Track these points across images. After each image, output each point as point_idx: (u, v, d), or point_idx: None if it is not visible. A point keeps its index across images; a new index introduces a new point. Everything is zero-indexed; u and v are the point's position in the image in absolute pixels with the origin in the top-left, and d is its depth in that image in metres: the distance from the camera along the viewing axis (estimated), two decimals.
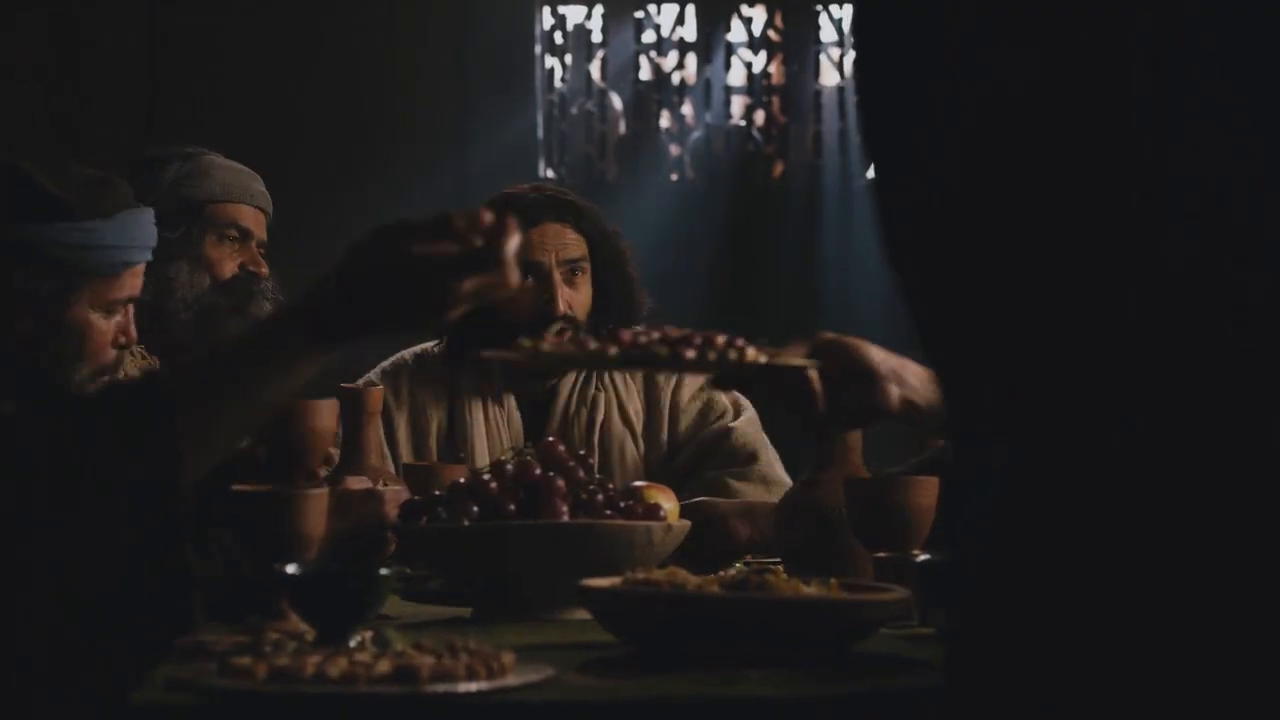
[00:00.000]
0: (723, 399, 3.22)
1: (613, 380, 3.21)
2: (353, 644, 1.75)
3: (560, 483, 2.15)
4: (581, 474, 2.19)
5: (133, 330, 2.43)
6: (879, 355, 1.94)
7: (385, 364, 3.25)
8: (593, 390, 3.20)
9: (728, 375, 1.95)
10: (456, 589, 2.28)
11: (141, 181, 2.90)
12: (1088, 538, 1.12)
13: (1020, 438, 1.17)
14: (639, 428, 3.20)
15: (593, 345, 1.84)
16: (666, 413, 3.22)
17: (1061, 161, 1.10)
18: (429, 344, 3.25)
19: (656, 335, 1.86)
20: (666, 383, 3.23)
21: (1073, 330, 1.11)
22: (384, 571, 1.85)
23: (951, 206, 1.14)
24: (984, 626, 1.16)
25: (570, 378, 3.20)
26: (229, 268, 2.93)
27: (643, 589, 1.77)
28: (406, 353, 3.25)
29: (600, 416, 3.18)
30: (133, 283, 2.42)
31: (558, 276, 3.11)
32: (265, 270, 2.96)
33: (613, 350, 1.83)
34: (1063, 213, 1.10)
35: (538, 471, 2.16)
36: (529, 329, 3.06)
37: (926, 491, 2.19)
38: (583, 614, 1.98)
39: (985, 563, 1.16)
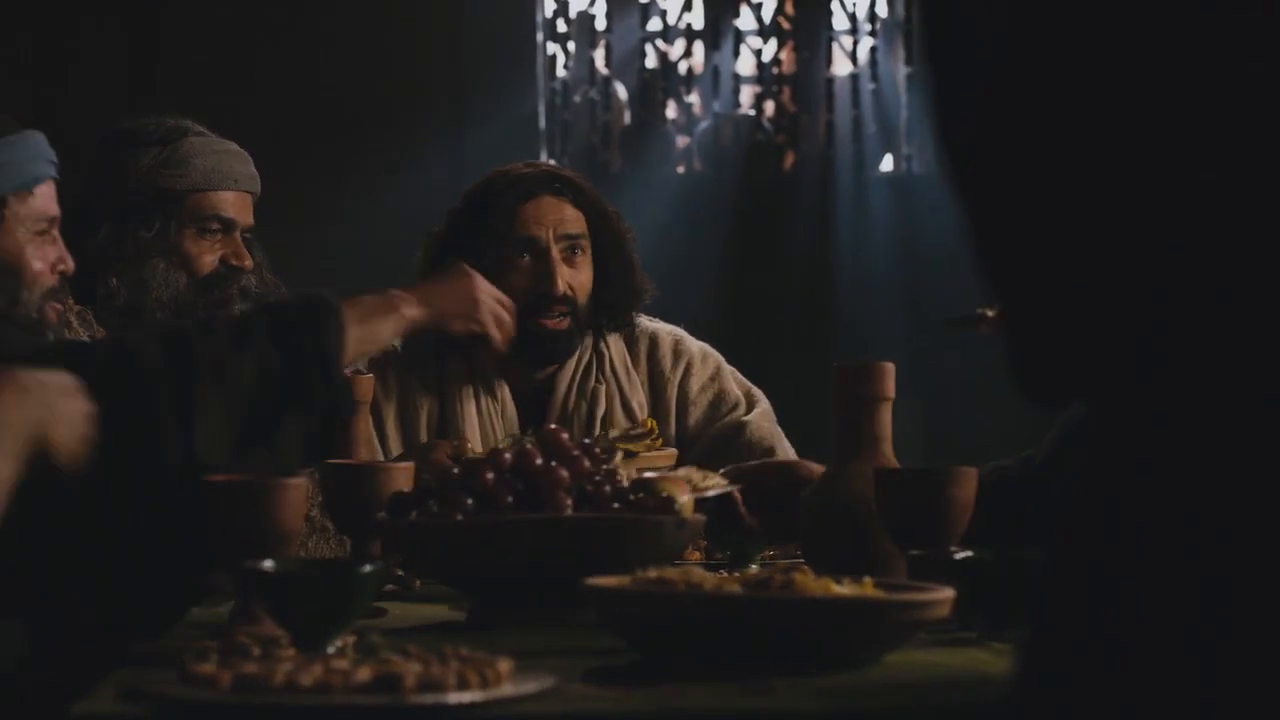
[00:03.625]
0: (735, 390, 3.08)
1: (614, 372, 3.07)
2: (332, 650, 1.61)
3: (563, 473, 1.99)
4: (587, 464, 2.03)
5: (69, 260, 2.46)
6: None
7: None
8: (593, 382, 3.05)
9: None
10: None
11: (117, 158, 2.75)
12: (1177, 517, 0.96)
13: (1101, 405, 1.01)
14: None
15: None
16: (674, 405, 3.08)
17: (1140, 100, 0.99)
18: None
19: None
20: (674, 372, 3.09)
21: (1155, 285, 0.99)
22: (367, 569, 1.70)
23: (1022, 141, 1.03)
24: (1060, 627, 0.99)
25: (569, 367, 3.06)
26: (209, 261, 2.78)
27: (654, 589, 1.63)
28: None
29: (601, 410, 3.04)
30: (50, 203, 2.45)
31: (556, 253, 2.97)
32: (249, 262, 2.81)
33: None
34: (1136, 158, 0.99)
35: (538, 461, 2.00)
36: (526, 310, 2.92)
37: (963, 483, 2.03)
38: (588, 617, 1.82)
39: (1062, 552, 0.99)
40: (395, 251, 3.33)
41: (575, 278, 2.98)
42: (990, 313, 2.24)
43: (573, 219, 2.99)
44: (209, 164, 2.79)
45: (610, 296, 3.04)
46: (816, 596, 1.59)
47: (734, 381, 3.12)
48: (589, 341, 3.07)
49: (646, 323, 3.15)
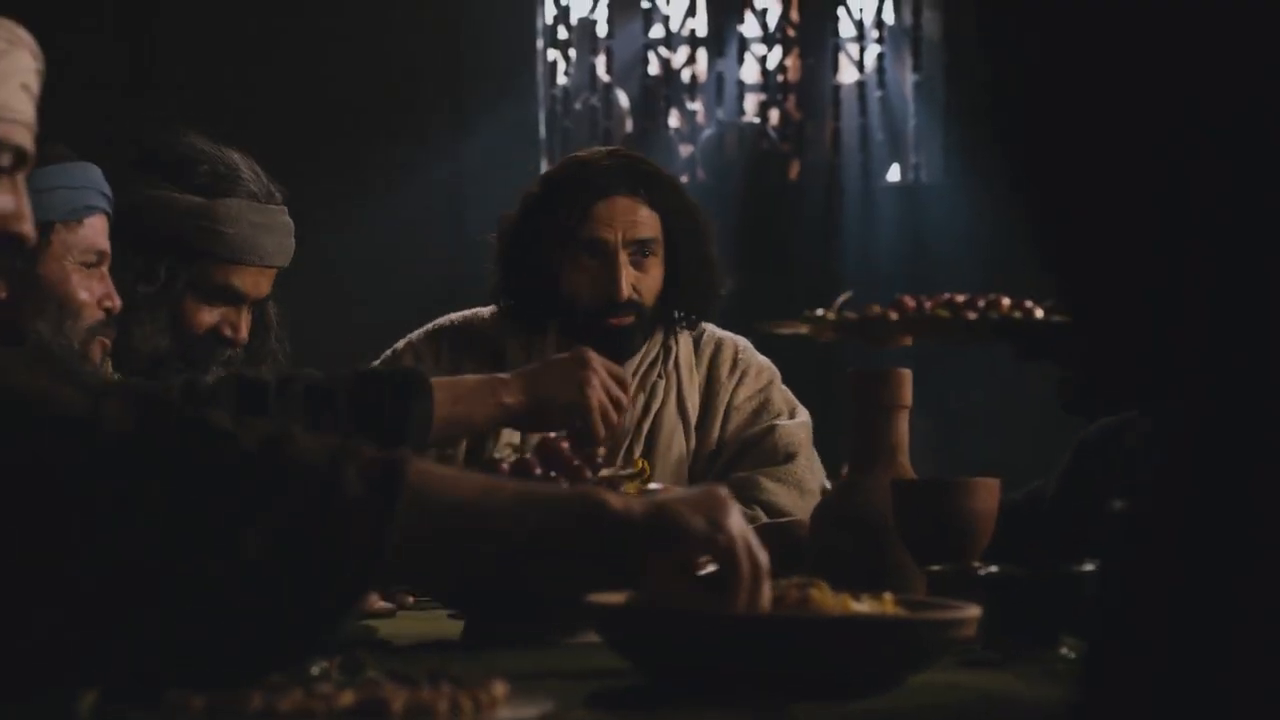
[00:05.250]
0: (780, 403, 3.04)
1: (678, 367, 3.03)
2: (315, 671, 1.51)
3: (563, 484, 1.89)
4: (588, 474, 1.93)
5: (116, 298, 2.44)
6: None
7: (429, 327, 3.09)
8: (655, 375, 3.03)
9: (1026, 341, 2.03)
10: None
11: (154, 194, 2.62)
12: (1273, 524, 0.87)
13: (1184, 404, 0.95)
14: (693, 421, 3.03)
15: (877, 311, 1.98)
16: (722, 411, 3.05)
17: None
18: (481, 309, 3.09)
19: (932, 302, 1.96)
20: (729, 379, 3.07)
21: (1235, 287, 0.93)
22: None
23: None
24: (1137, 646, 0.90)
25: (635, 358, 3.02)
26: (203, 323, 2.66)
27: (660, 606, 1.51)
28: (455, 316, 3.09)
29: (657, 403, 3.02)
30: (99, 236, 2.44)
31: (623, 258, 2.94)
32: (243, 335, 2.69)
33: (894, 316, 1.95)
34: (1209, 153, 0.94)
35: (538, 471, 1.90)
36: (593, 309, 2.88)
37: (985, 495, 1.93)
38: (590, 637, 1.75)
39: (1138, 567, 0.90)
40: (395, 258, 3.26)
41: (643, 280, 2.95)
42: (831, 314, 2.14)
43: (645, 221, 2.94)
44: (242, 235, 2.65)
45: (682, 297, 3.00)
46: (836, 615, 1.49)
47: (782, 396, 3.08)
48: (659, 336, 3.04)
49: (714, 330, 3.12)
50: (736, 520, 1.46)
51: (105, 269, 2.45)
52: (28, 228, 1.51)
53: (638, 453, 2.96)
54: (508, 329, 3.02)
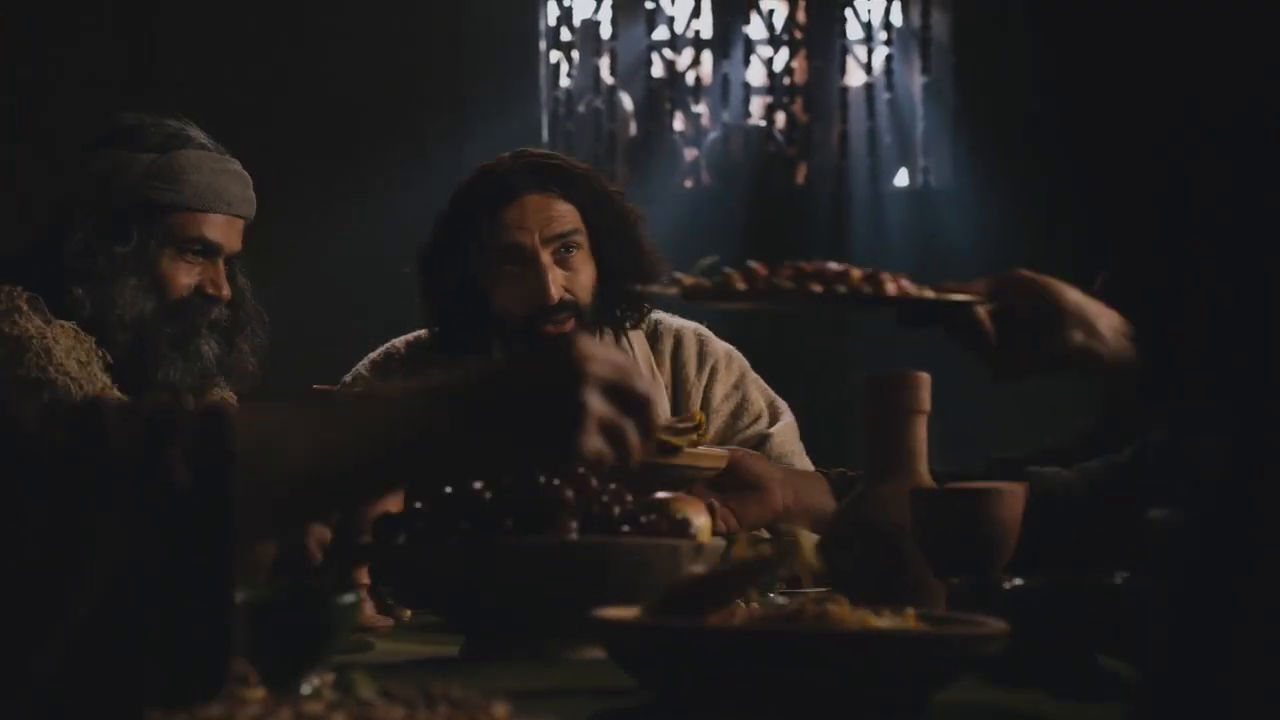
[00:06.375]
0: (758, 400, 2.94)
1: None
2: (307, 690, 1.44)
3: (568, 493, 1.83)
4: (594, 483, 1.86)
5: None
6: (1071, 298, 1.93)
7: (375, 355, 3.01)
8: None
9: (904, 313, 1.97)
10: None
11: (108, 158, 2.62)
12: None
13: (1186, 406, 0.97)
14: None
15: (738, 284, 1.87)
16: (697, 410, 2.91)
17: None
18: (421, 332, 2.97)
19: (788, 271, 1.88)
20: (698, 377, 2.96)
21: None
22: (348, 599, 1.54)
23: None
24: (1199, 670, 0.85)
25: None
26: (184, 285, 2.64)
27: (669, 621, 1.47)
28: (398, 341, 3.01)
29: None
30: None
31: (546, 258, 2.80)
32: (226, 292, 2.66)
33: (741, 285, 1.86)
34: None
35: (540, 479, 1.83)
36: (529, 319, 2.79)
37: (1010, 504, 1.86)
38: (596, 652, 1.72)
39: (1200, 577, 0.86)
40: (395, 263, 3.21)
41: (574, 279, 2.83)
42: (689, 280, 2.05)
43: (561, 215, 2.82)
44: (204, 181, 2.65)
45: (620, 289, 2.87)
46: (854, 630, 1.42)
47: (758, 390, 2.99)
48: (608, 337, 2.92)
49: (669, 319, 3.01)
50: (596, 368, 1.42)
51: None
52: None
53: None
54: (445, 359, 2.88)
